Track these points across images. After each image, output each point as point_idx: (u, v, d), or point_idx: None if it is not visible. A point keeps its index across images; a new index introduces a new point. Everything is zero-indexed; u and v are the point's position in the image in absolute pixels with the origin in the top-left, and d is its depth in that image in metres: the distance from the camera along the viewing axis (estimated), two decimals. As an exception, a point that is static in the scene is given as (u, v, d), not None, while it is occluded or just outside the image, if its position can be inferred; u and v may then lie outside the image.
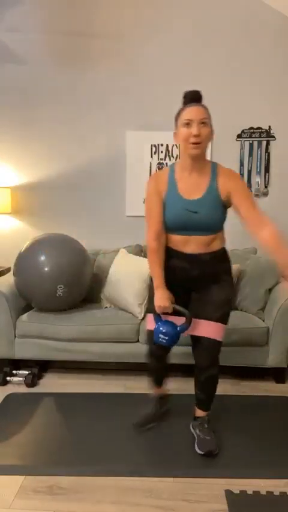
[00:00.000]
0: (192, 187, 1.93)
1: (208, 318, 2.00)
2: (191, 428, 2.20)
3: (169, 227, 1.97)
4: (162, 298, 1.96)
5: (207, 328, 2.01)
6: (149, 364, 2.24)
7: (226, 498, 1.76)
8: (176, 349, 2.77)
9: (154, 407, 2.29)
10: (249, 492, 1.79)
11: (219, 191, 1.91)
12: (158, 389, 2.33)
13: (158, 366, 2.23)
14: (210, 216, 1.91)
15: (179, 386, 2.76)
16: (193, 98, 1.89)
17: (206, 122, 1.85)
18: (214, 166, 1.97)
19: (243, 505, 1.71)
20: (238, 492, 1.79)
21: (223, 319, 2.02)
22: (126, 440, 2.15)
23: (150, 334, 2.11)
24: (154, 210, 1.97)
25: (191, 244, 1.96)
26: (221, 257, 2.04)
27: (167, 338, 1.95)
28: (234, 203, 1.90)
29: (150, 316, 2.10)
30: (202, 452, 2.01)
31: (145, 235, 2.04)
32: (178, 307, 1.97)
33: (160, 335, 1.96)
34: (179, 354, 2.77)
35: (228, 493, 1.78)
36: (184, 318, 2.00)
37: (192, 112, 1.84)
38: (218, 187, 1.91)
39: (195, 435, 2.12)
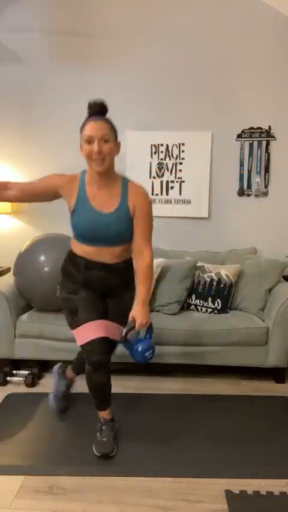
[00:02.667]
0: (103, 203, 1.93)
1: (117, 322, 2.05)
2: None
3: (81, 236, 1.98)
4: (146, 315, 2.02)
5: (115, 332, 2.04)
6: (95, 385, 2.03)
7: (226, 498, 1.76)
8: (176, 349, 2.77)
9: (112, 432, 2.11)
10: (249, 492, 1.79)
11: (129, 206, 1.93)
12: (108, 412, 2.13)
13: (106, 378, 2.02)
14: (121, 230, 1.94)
15: (179, 386, 2.76)
16: (97, 110, 1.86)
17: (107, 139, 1.82)
18: (125, 183, 1.97)
19: (243, 505, 1.71)
20: (238, 492, 1.79)
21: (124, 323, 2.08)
22: (126, 440, 2.15)
23: (91, 345, 1.95)
24: (44, 185, 1.94)
25: (105, 255, 1.98)
26: (131, 266, 2.09)
27: (151, 351, 2.03)
28: (134, 222, 1.96)
29: (81, 329, 1.99)
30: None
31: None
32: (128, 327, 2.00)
33: (145, 354, 2.00)
34: (180, 353, 2.78)
35: (228, 493, 1.78)
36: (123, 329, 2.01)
37: (93, 128, 1.81)
38: (127, 203, 1.93)
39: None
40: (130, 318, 1.98)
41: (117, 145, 1.90)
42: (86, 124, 1.85)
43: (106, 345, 1.98)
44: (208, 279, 2.98)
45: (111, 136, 1.84)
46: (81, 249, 2.01)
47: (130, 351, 2.02)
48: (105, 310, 2.08)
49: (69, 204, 1.96)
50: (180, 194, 3.50)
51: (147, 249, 1.98)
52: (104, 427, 2.09)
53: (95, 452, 2.02)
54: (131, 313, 1.98)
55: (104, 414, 2.12)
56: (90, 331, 1.97)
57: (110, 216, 1.92)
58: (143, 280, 1.97)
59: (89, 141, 1.82)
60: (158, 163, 3.48)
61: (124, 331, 1.97)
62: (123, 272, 2.05)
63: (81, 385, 2.75)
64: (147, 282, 1.97)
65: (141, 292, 1.97)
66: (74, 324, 2.03)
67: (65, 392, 2.40)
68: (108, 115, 3.57)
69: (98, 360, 1.95)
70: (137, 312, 1.97)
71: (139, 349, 1.98)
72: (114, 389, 2.70)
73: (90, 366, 1.99)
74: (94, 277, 2.02)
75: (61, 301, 2.11)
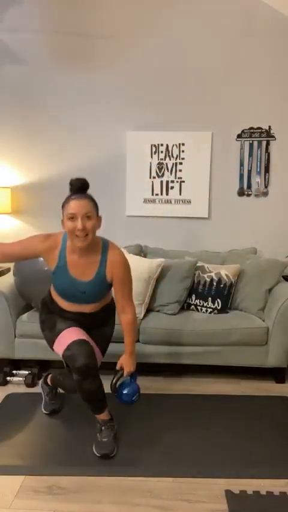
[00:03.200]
0: (81, 271, 2.00)
1: (100, 348, 2.16)
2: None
3: (59, 295, 2.07)
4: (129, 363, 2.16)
5: (98, 355, 2.12)
6: (86, 392, 1.98)
7: (226, 498, 1.76)
8: (176, 349, 2.77)
9: (111, 432, 2.12)
10: (249, 492, 1.79)
11: (106, 275, 2.02)
12: (105, 413, 2.12)
13: (96, 385, 1.98)
14: (97, 294, 2.05)
15: (179, 386, 2.76)
16: (79, 187, 1.90)
17: (90, 216, 1.87)
18: (104, 250, 2.02)
19: (243, 505, 1.71)
20: (238, 492, 1.79)
21: (106, 348, 2.23)
22: (126, 440, 2.15)
23: (72, 350, 1.95)
24: (21, 251, 1.97)
25: (82, 308, 2.09)
26: (107, 309, 2.20)
27: (137, 394, 2.12)
28: (113, 285, 2.05)
29: (61, 337, 2.03)
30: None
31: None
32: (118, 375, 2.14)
33: (133, 397, 2.10)
34: (180, 354, 2.78)
35: (228, 493, 1.78)
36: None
37: (76, 206, 1.86)
38: (105, 272, 2.01)
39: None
40: (118, 367, 2.13)
41: (98, 220, 1.95)
42: (68, 201, 1.90)
43: (89, 348, 1.97)
44: (208, 279, 2.98)
45: (94, 213, 1.90)
46: (58, 300, 2.11)
47: (120, 396, 2.10)
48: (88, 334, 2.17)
49: (50, 266, 2.03)
50: (180, 194, 3.50)
51: (130, 307, 2.09)
52: (103, 428, 2.09)
53: (96, 453, 2.02)
54: (119, 362, 2.13)
55: (102, 416, 2.11)
56: (70, 335, 2.01)
57: (87, 284, 2.00)
58: (128, 334, 2.10)
59: (72, 217, 1.87)
60: (158, 163, 3.48)
61: (114, 379, 2.09)
62: (100, 316, 2.17)
63: (81, 385, 2.75)
64: (132, 335, 2.11)
65: (127, 344, 2.11)
66: (53, 337, 2.08)
67: (52, 397, 2.43)
68: (108, 115, 3.59)
69: (83, 365, 1.90)
70: (125, 361, 2.12)
71: (127, 393, 2.09)
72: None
73: (77, 374, 1.93)
74: (70, 318, 2.12)
75: (41, 327, 2.19)
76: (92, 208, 1.89)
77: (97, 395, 2.01)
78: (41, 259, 2.74)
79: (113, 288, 2.08)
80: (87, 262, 1.99)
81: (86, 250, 1.98)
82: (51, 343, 2.10)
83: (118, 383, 2.10)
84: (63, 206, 1.93)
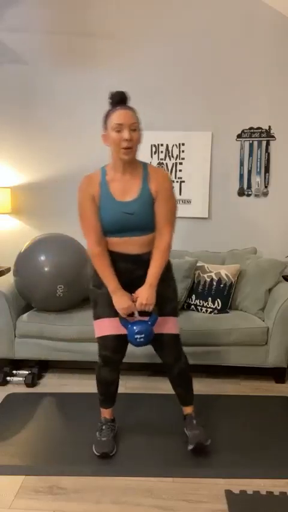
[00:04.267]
0: (125, 189, 1.92)
1: (161, 315, 2.00)
2: (185, 430, 2.16)
3: (107, 230, 1.94)
4: (124, 300, 1.94)
5: (163, 325, 2.01)
6: (101, 379, 2.07)
7: (226, 498, 1.76)
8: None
9: (111, 432, 2.12)
10: (249, 492, 1.79)
11: (151, 191, 1.92)
12: (110, 411, 2.16)
13: (112, 376, 2.05)
14: (146, 216, 1.92)
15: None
16: (121, 99, 1.87)
17: (136, 128, 1.84)
18: (145, 167, 1.96)
19: (243, 505, 1.71)
20: (238, 492, 1.79)
21: (174, 312, 2.05)
22: (126, 440, 2.15)
23: (103, 340, 2.00)
24: (90, 216, 1.92)
25: (131, 246, 1.94)
26: None
27: (143, 335, 1.91)
28: (156, 202, 1.92)
29: (99, 322, 2.02)
30: (192, 446, 1.99)
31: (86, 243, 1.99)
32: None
33: (136, 336, 1.91)
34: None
35: (228, 493, 1.78)
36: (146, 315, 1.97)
37: (122, 116, 1.82)
38: (149, 187, 1.92)
39: (188, 435, 2.10)
40: (134, 298, 1.95)
41: (141, 135, 1.91)
42: (112, 112, 1.84)
43: (119, 343, 2.00)
44: (208, 279, 2.98)
45: (138, 126, 1.86)
46: (108, 243, 1.96)
47: (126, 329, 1.96)
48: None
49: (97, 201, 1.93)
50: (180, 194, 3.50)
51: (167, 230, 1.93)
52: (104, 427, 2.10)
53: (95, 452, 2.02)
54: (136, 292, 1.95)
55: (105, 413, 2.13)
56: (106, 326, 2.00)
57: (133, 202, 1.90)
58: (155, 260, 1.93)
59: (118, 129, 1.81)
60: (158, 163, 3.48)
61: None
62: (149, 263, 1.99)
63: (81, 385, 2.76)
64: (159, 263, 1.92)
65: (150, 273, 1.93)
66: (93, 316, 2.07)
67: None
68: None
69: (107, 356, 2.01)
70: (141, 292, 1.93)
71: (134, 330, 1.91)
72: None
73: (100, 358, 2.05)
74: (119, 270, 1.97)
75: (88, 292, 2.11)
76: (137, 120, 1.85)
77: (109, 386, 2.06)
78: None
79: (155, 209, 1.92)
80: (130, 180, 1.92)
81: (129, 169, 1.92)
82: (93, 317, 2.07)
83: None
84: (106, 118, 1.86)
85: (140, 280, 1.97)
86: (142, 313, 1.98)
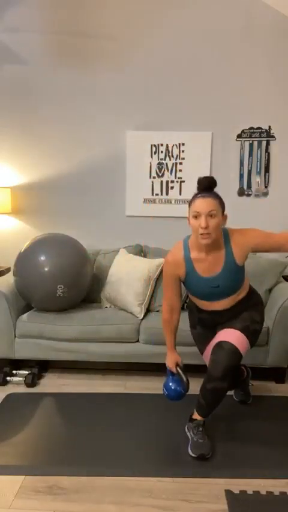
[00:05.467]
0: (210, 266, 2.03)
1: (232, 327, 2.11)
2: (186, 429, 2.19)
3: (193, 295, 2.15)
4: (169, 360, 2.22)
5: (229, 334, 2.07)
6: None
7: (226, 498, 1.76)
8: (177, 349, 2.77)
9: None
10: (249, 492, 1.79)
11: (235, 259, 2.02)
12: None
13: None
14: (232, 285, 2.05)
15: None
16: (206, 186, 1.93)
17: (214, 214, 1.90)
18: (226, 237, 2.03)
19: (243, 505, 1.71)
20: (238, 492, 1.79)
21: (247, 331, 2.09)
22: (126, 440, 2.15)
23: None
24: (170, 292, 2.13)
25: (217, 305, 2.13)
26: (247, 299, 2.18)
27: (167, 393, 2.16)
28: (264, 250, 2.04)
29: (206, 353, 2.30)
30: (194, 455, 2.00)
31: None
32: (180, 372, 2.19)
33: (164, 388, 2.19)
34: (180, 353, 2.77)
35: (228, 493, 1.78)
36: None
37: (200, 205, 1.90)
38: (233, 256, 2.02)
39: (189, 437, 2.11)
40: None
41: (224, 218, 1.98)
42: (194, 200, 1.93)
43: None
44: (208, 279, 2.98)
45: (218, 211, 1.92)
46: (195, 300, 2.19)
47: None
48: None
49: (182, 278, 2.10)
50: (180, 194, 3.50)
51: (280, 235, 2.06)
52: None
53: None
54: None
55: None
56: (205, 359, 2.29)
57: (217, 278, 2.03)
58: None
59: (195, 216, 1.91)
60: (158, 163, 3.48)
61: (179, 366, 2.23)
62: (234, 310, 2.15)
63: (81, 385, 2.76)
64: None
65: None
66: (200, 348, 2.36)
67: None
68: (108, 115, 3.59)
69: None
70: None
71: (168, 382, 2.20)
72: (115, 389, 2.71)
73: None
74: (205, 319, 2.21)
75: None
76: (216, 206, 1.91)
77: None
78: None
79: (268, 250, 2.04)
80: (213, 258, 2.02)
81: (212, 247, 2.00)
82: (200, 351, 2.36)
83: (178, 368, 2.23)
84: (189, 204, 1.96)
85: (221, 325, 2.19)
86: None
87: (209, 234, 1.91)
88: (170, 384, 2.18)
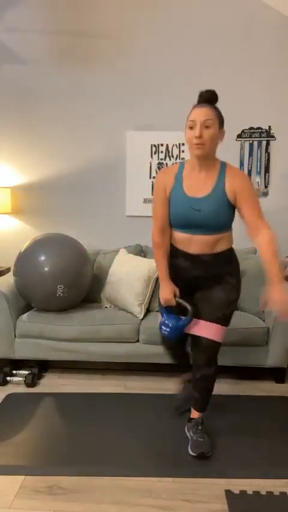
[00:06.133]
0: (198, 186, 1.91)
1: (208, 319, 2.01)
2: (186, 430, 2.18)
3: (173, 223, 1.98)
4: (165, 291, 2.03)
5: (206, 329, 2.01)
6: (167, 353, 2.33)
7: (226, 498, 1.76)
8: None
9: (187, 390, 2.30)
10: (249, 492, 1.79)
11: (226, 190, 1.89)
12: (186, 375, 2.38)
13: (176, 353, 2.30)
14: (214, 215, 1.89)
15: (179, 386, 2.76)
16: (207, 98, 1.88)
17: (209, 125, 1.82)
18: (223, 166, 1.95)
19: (243, 505, 1.71)
20: (238, 492, 1.79)
21: (223, 320, 2.02)
22: (126, 440, 2.15)
23: (163, 340, 2.24)
24: (159, 207, 2.00)
25: (194, 244, 1.95)
26: (226, 258, 2.02)
27: (168, 330, 2.01)
28: (237, 203, 1.89)
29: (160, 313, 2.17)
30: (195, 454, 2.00)
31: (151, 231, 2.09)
32: (181, 301, 2.01)
33: (163, 327, 2.04)
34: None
35: (228, 493, 1.78)
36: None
37: (196, 113, 1.84)
38: (224, 186, 1.89)
39: (189, 437, 2.11)
40: (269, 304, 1.74)
41: (221, 132, 1.90)
42: (191, 110, 1.87)
43: (175, 352, 2.30)
44: (208, 279, 2.98)
45: (214, 123, 1.84)
46: (174, 237, 2.02)
47: (161, 317, 2.10)
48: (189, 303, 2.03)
49: (167, 193, 1.97)
50: (180, 194, 3.49)
51: (264, 224, 1.86)
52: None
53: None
54: (271, 298, 1.72)
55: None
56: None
57: (202, 199, 1.89)
58: (270, 256, 1.79)
59: (191, 126, 1.84)
60: (158, 163, 3.48)
61: (182, 302, 2.01)
62: (211, 266, 1.97)
63: (81, 385, 2.76)
64: (275, 256, 1.79)
65: (272, 271, 1.77)
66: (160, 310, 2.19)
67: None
68: (108, 115, 3.59)
69: (168, 343, 2.24)
70: (278, 294, 1.71)
71: (163, 320, 2.04)
72: (115, 389, 2.71)
73: (164, 346, 2.30)
74: (179, 267, 2.03)
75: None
76: (213, 116, 1.84)
77: (178, 358, 2.32)
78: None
79: (241, 211, 1.88)
80: (205, 177, 1.91)
81: (205, 166, 1.91)
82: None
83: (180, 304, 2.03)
84: (187, 117, 1.89)
85: (197, 280, 2.02)
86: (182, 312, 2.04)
87: (203, 145, 1.82)
88: (167, 322, 2.02)
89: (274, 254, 1.79)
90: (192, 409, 2.15)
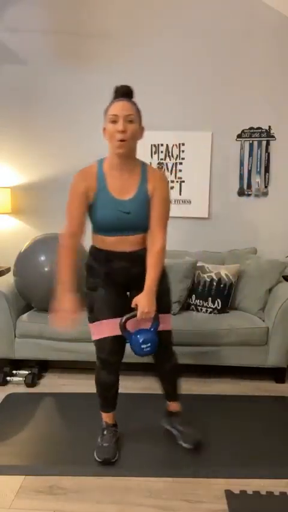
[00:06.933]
0: (123, 187, 1.87)
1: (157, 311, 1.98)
2: (167, 425, 2.17)
3: (102, 228, 1.91)
4: (66, 302, 1.88)
5: (161, 322, 1.97)
6: (100, 382, 2.02)
7: (226, 498, 1.76)
8: (176, 349, 2.77)
9: (113, 437, 2.06)
10: (249, 492, 1.79)
11: (148, 191, 1.89)
12: (111, 416, 2.11)
13: (111, 380, 2.00)
14: (141, 216, 1.89)
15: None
16: (124, 92, 1.83)
17: (132, 119, 1.78)
18: (144, 168, 1.92)
19: (243, 505, 1.71)
20: (238, 492, 1.79)
21: (167, 308, 2.03)
22: (126, 440, 2.15)
23: (101, 342, 1.95)
24: (76, 210, 1.89)
25: (126, 244, 1.92)
26: None
27: (149, 345, 1.87)
28: (151, 204, 1.90)
29: (97, 324, 1.98)
30: (191, 446, 2.02)
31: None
32: (129, 315, 1.89)
33: (142, 346, 1.87)
34: (180, 354, 2.77)
35: (228, 493, 1.78)
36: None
37: (118, 107, 1.78)
38: (147, 187, 1.89)
39: (175, 431, 2.11)
40: (133, 305, 1.88)
41: (141, 129, 1.86)
42: (111, 105, 1.81)
43: (117, 345, 1.96)
44: (208, 279, 2.98)
45: (137, 118, 1.81)
46: (102, 241, 1.95)
47: (129, 341, 1.90)
48: (126, 306, 1.97)
49: (90, 197, 1.88)
50: (180, 194, 3.50)
51: (161, 234, 1.90)
52: (105, 432, 2.07)
53: (96, 458, 1.98)
54: (134, 300, 1.87)
55: (107, 418, 2.09)
56: (104, 328, 1.95)
57: (130, 202, 1.87)
58: (151, 265, 1.87)
59: (114, 120, 1.78)
60: (158, 163, 3.48)
61: (124, 318, 1.88)
62: (145, 260, 1.95)
63: (81, 385, 2.76)
64: (156, 268, 1.86)
65: (148, 278, 1.86)
66: (90, 319, 2.02)
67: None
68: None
69: (105, 359, 1.97)
70: (141, 299, 1.85)
71: (138, 340, 1.86)
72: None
73: (98, 361, 2.02)
74: (115, 269, 1.96)
75: (85, 298, 2.05)
76: (135, 112, 1.80)
77: (109, 389, 2.02)
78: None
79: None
80: (127, 177, 1.88)
81: (126, 166, 1.87)
82: (88, 320, 2.02)
83: (130, 325, 1.89)
84: (105, 112, 1.83)
85: (137, 278, 1.95)
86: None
87: (126, 142, 1.77)
88: (143, 339, 1.86)
89: (159, 262, 1.87)
90: (170, 403, 2.14)
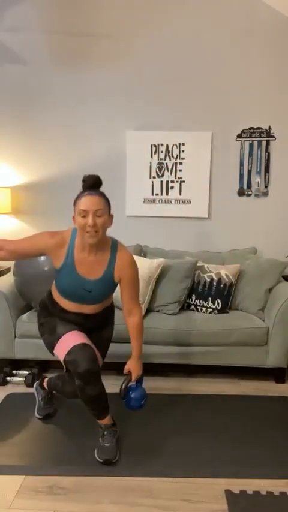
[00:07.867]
0: (90, 268, 1.98)
1: (100, 353, 2.14)
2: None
3: (62, 293, 2.03)
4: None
5: (99, 359, 2.12)
6: (88, 398, 1.95)
7: (226, 498, 1.76)
8: (176, 349, 2.77)
9: (114, 437, 2.08)
10: (249, 492, 1.79)
11: (114, 275, 2.01)
12: (109, 417, 2.09)
13: (98, 390, 1.94)
14: (103, 294, 2.03)
15: (179, 386, 2.76)
16: (92, 184, 1.88)
17: (101, 213, 1.86)
18: (114, 248, 2.02)
19: (243, 505, 1.71)
20: (238, 492, 1.79)
21: (105, 351, 2.24)
22: (126, 440, 2.15)
23: (73, 355, 1.91)
24: (30, 248, 1.94)
25: (84, 309, 2.06)
26: (108, 309, 2.20)
27: (146, 398, 2.09)
28: (120, 285, 2.04)
29: (62, 340, 1.99)
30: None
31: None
32: (125, 384, 2.07)
33: (142, 401, 2.07)
34: (180, 354, 2.78)
35: (228, 493, 1.78)
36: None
37: (87, 203, 1.84)
38: (113, 271, 2.00)
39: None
40: (125, 371, 2.10)
41: (110, 218, 1.94)
42: (80, 198, 1.88)
43: (91, 352, 1.93)
44: (208, 279, 2.98)
45: (105, 211, 1.89)
46: (60, 300, 2.07)
47: (130, 400, 2.07)
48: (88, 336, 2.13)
49: (55, 264, 1.99)
50: (180, 194, 3.50)
51: (137, 309, 2.09)
52: (106, 433, 2.06)
53: (98, 459, 1.98)
54: (127, 366, 2.10)
55: (104, 421, 2.08)
56: (71, 339, 1.97)
57: (94, 282, 1.98)
58: (135, 337, 2.08)
59: (83, 215, 1.86)
60: (158, 163, 3.48)
61: (123, 385, 2.05)
62: (101, 317, 2.15)
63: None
64: (139, 338, 2.09)
65: (134, 348, 2.09)
66: (54, 341, 2.04)
67: (47, 401, 2.39)
68: (108, 115, 3.59)
69: (85, 370, 1.87)
70: (133, 366, 2.09)
71: (135, 397, 2.06)
72: (114, 389, 2.70)
73: (79, 379, 1.91)
74: (71, 320, 2.09)
75: (39, 329, 2.17)
76: (103, 205, 1.87)
77: (100, 400, 1.98)
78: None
79: (119, 290, 2.08)
80: (96, 260, 1.97)
81: (95, 249, 1.96)
82: (51, 347, 2.07)
83: (126, 386, 2.07)
84: (74, 202, 1.90)
85: (92, 330, 2.13)
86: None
87: (97, 233, 1.87)
88: (141, 394, 2.08)
89: (139, 335, 2.09)
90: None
